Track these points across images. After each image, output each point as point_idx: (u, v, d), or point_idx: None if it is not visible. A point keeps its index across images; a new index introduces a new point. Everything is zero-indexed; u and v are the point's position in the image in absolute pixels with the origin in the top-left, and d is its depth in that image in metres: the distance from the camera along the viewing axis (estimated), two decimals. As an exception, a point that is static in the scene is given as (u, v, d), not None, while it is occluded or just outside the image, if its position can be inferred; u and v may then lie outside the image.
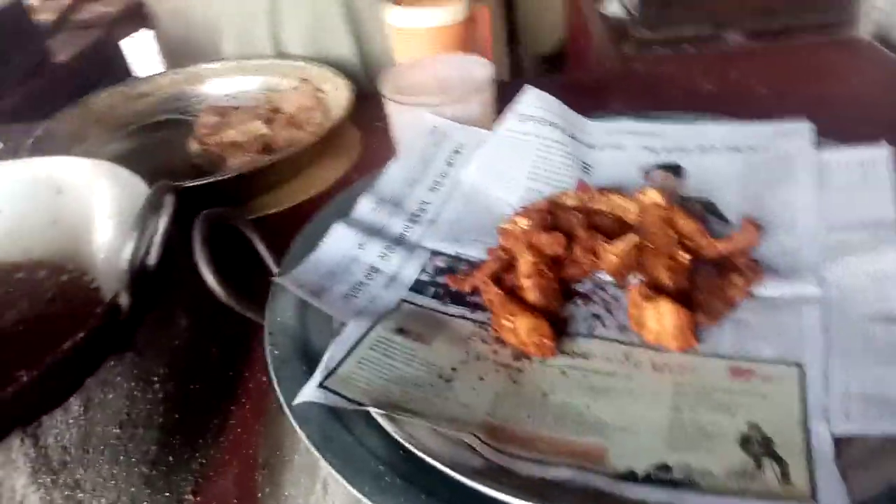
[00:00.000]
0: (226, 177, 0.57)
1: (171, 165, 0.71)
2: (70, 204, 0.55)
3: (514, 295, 0.40)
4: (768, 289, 0.38)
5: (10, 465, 0.36)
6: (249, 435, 0.44)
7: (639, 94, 0.69)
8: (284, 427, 0.41)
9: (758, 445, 0.30)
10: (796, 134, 0.46)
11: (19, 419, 0.37)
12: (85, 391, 0.39)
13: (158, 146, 0.75)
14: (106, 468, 0.39)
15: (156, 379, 0.43)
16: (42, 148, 0.68)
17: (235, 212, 0.44)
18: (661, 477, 0.29)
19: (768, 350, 0.35)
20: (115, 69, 1.14)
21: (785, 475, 0.29)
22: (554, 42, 1.04)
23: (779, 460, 0.29)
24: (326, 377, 0.34)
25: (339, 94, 0.71)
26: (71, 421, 0.38)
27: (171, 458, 0.42)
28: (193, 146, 0.71)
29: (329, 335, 0.39)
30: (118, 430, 0.40)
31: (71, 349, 0.37)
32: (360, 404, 0.33)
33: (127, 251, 0.40)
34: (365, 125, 0.71)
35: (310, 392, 0.34)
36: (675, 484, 0.29)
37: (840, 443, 0.30)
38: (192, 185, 0.55)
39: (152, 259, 0.42)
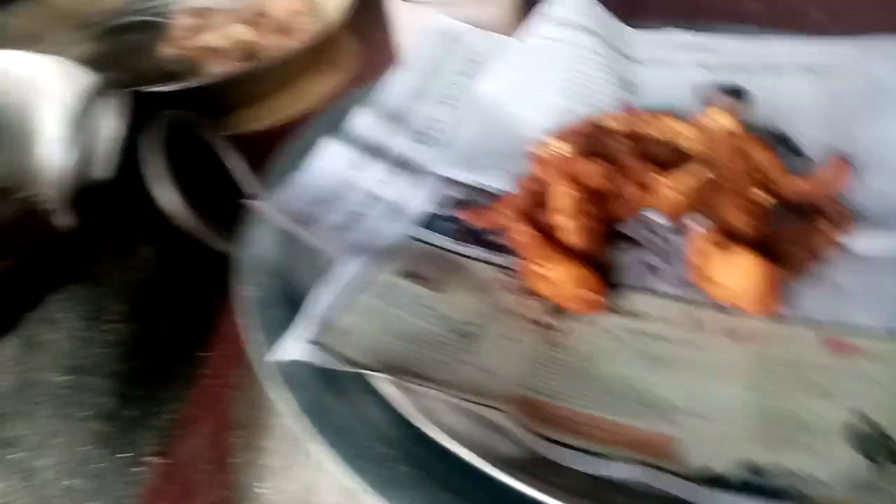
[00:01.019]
0: (203, 83, 0.47)
1: (141, 72, 0.60)
2: (13, 107, 0.45)
3: (547, 236, 0.31)
4: (862, 242, 0.30)
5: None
6: (223, 388, 0.35)
7: (673, 12, 0.58)
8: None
9: (872, 442, 0.23)
10: (885, 54, 0.37)
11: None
12: (23, 330, 0.31)
13: (126, 51, 0.63)
14: (50, 423, 0.31)
15: (113, 318, 0.34)
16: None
17: (203, 118, 0.34)
18: (753, 481, 0.22)
19: (870, 320, 0.27)
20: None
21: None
22: None
23: (908, 465, 0.22)
24: (320, 330, 0.26)
25: (333, -2, 0.60)
26: (6, 365, 0.30)
27: (130, 413, 0.34)
28: (167, 50, 0.60)
29: (317, 276, 0.30)
30: (65, 378, 0.32)
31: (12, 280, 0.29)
32: (365, 367, 0.25)
33: (68, 157, 0.31)
34: (365, 35, 0.61)
35: (298, 348, 0.25)
36: (775, 494, 0.21)
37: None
38: (158, 90, 0.44)
39: (104, 171, 0.33)
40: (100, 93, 0.32)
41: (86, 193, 0.33)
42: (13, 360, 0.31)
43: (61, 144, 0.33)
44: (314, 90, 0.56)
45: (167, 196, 0.30)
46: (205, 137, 0.34)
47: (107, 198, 0.33)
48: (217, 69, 0.56)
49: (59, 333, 0.32)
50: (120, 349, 0.34)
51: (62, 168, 0.29)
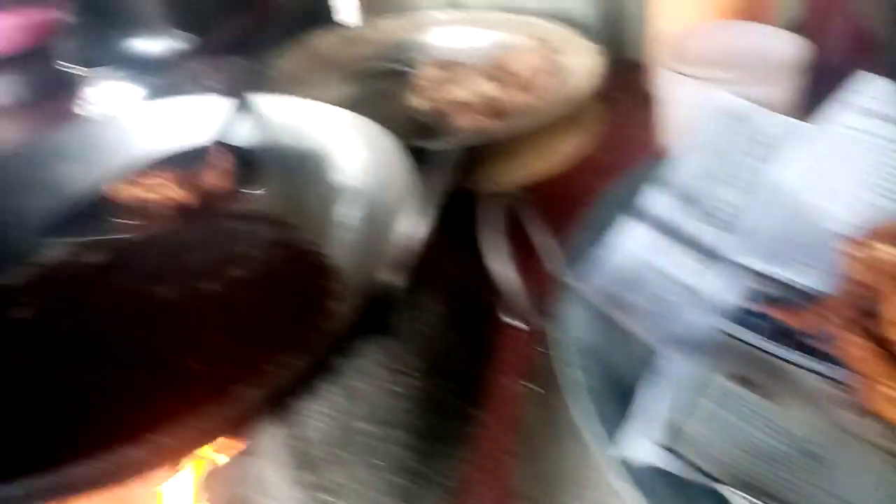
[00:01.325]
0: (487, 142, 0.49)
1: (392, 120, 0.63)
2: (305, 154, 0.49)
3: (886, 350, 0.29)
4: None
5: (270, 456, 0.31)
6: (501, 455, 0.36)
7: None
8: (561, 459, 0.33)
9: None
10: None
11: (278, 402, 0.31)
12: (345, 379, 0.33)
13: (376, 97, 0.67)
14: (358, 470, 0.33)
15: (410, 371, 0.36)
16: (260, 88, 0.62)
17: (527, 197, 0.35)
18: None
19: None
20: (318, 9, 1.09)
21: None
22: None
23: None
24: (670, 435, 0.25)
25: (579, 60, 0.61)
26: (333, 413, 0.32)
27: (422, 468, 0.35)
28: (419, 101, 0.63)
29: (635, 362, 0.30)
30: (373, 428, 0.34)
31: (343, 330, 0.31)
32: (722, 482, 0.24)
33: (415, 228, 0.33)
34: (607, 97, 0.61)
35: (651, 452, 0.25)
36: None
37: None
38: (450, 148, 0.47)
39: (427, 236, 0.35)
40: (442, 165, 0.34)
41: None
42: (337, 409, 0.33)
43: (371, 208, 0.35)
44: (558, 150, 0.56)
45: (502, 269, 0.31)
46: (518, 209, 0.35)
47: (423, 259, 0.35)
48: (468, 123, 0.58)
49: (371, 384, 0.34)
50: (415, 404, 0.36)
51: (407, 237, 0.31)
